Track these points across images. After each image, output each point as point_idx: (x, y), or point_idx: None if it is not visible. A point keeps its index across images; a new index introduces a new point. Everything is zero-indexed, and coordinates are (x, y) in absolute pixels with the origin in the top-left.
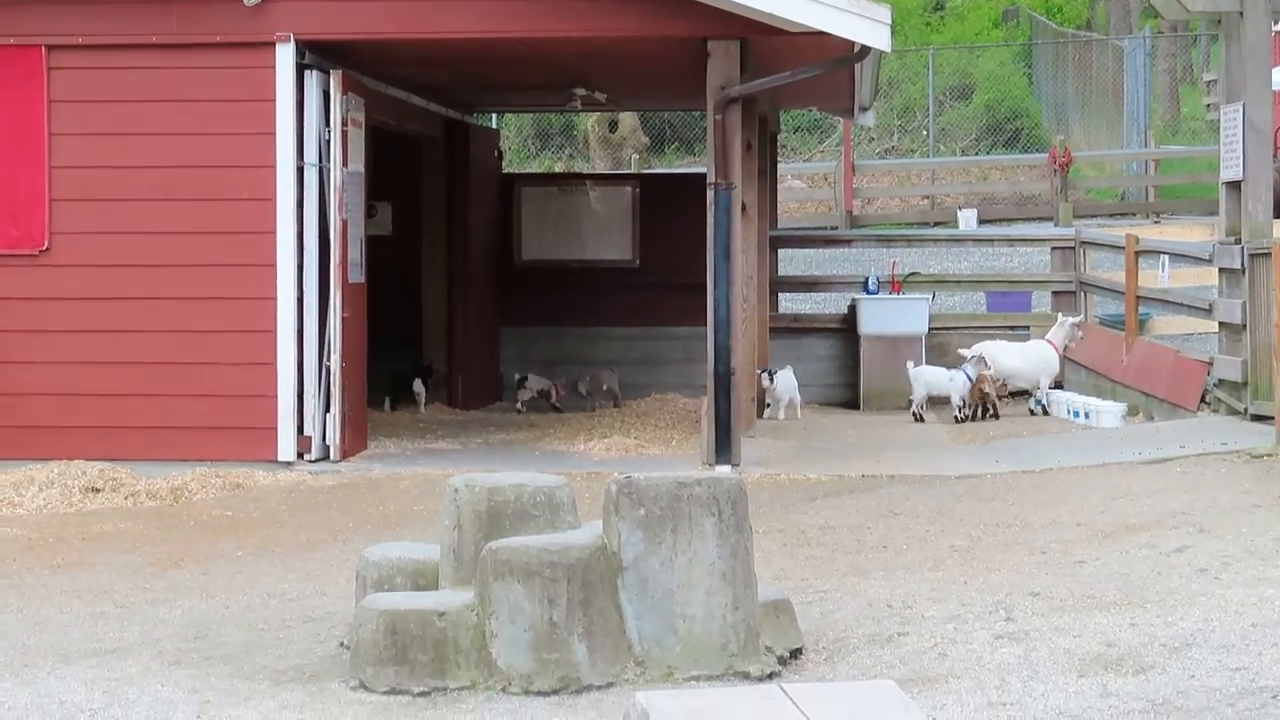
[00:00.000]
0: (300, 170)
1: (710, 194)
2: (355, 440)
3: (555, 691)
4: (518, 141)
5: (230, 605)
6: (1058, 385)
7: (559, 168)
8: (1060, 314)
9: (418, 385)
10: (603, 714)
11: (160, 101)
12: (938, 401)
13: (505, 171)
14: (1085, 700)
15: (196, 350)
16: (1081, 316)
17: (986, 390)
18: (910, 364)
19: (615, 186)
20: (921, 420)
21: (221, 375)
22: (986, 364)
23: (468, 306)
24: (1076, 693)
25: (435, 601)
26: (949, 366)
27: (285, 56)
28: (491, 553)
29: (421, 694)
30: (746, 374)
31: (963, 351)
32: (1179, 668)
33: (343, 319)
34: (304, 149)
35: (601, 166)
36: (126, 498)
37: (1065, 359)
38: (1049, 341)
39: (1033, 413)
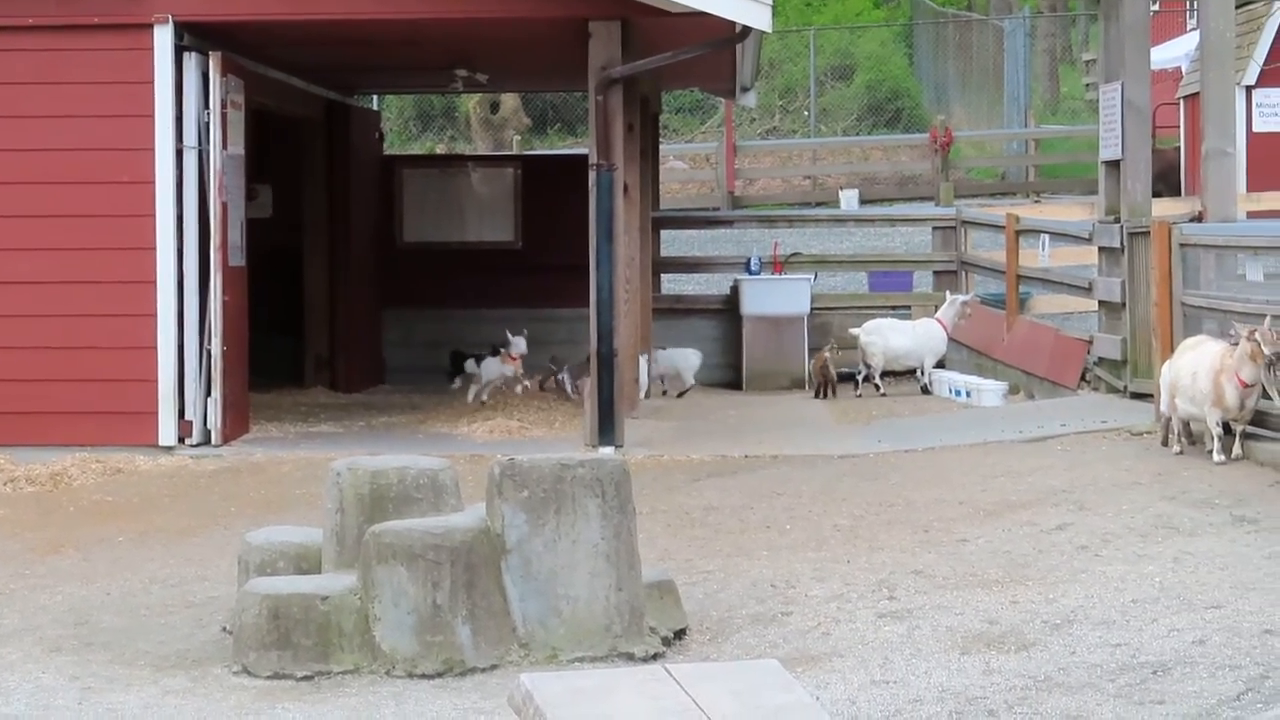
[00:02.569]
0: (179, 153)
1: (592, 175)
2: (237, 424)
3: (439, 674)
4: (399, 123)
5: (111, 591)
6: (940, 364)
7: (441, 149)
8: (949, 292)
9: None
10: (486, 696)
11: (38, 84)
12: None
13: (387, 153)
14: (968, 678)
15: (75, 334)
16: (972, 294)
17: (828, 370)
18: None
19: (497, 168)
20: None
21: (101, 360)
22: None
23: (349, 289)
24: (959, 670)
25: (318, 585)
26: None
27: (163, 38)
28: (374, 536)
29: (305, 678)
30: (629, 355)
31: (853, 331)
32: (1060, 644)
33: (223, 302)
34: (183, 132)
35: (483, 148)
36: (5, 484)
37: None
38: (939, 320)
39: (925, 390)
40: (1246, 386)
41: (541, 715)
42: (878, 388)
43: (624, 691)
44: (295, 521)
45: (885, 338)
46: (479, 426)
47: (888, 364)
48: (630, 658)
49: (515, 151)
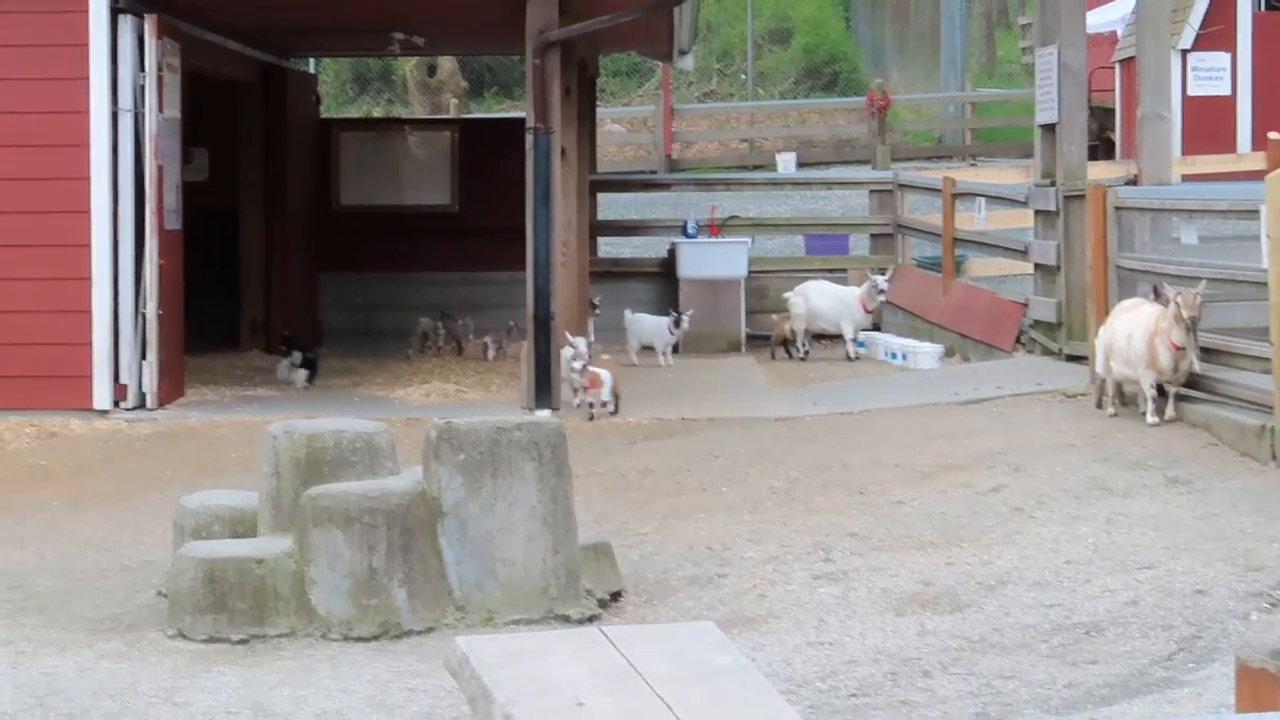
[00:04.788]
0: (114, 116)
1: (529, 139)
2: (172, 388)
3: (375, 637)
4: (336, 86)
5: (45, 555)
6: (876, 327)
7: (377, 113)
8: (872, 273)
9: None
10: (423, 659)
11: None
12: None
13: (323, 117)
14: (903, 639)
15: (9, 298)
16: (892, 268)
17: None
18: (627, 311)
19: (434, 131)
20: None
21: (35, 323)
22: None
23: (286, 253)
24: (894, 631)
25: (254, 549)
26: (768, 310)
27: (98, 1)
28: (310, 499)
29: (240, 641)
30: (566, 318)
31: (786, 295)
32: (995, 605)
33: (159, 266)
34: (118, 94)
35: (420, 111)
36: None
37: (882, 306)
38: (861, 297)
39: (850, 357)
40: (1179, 349)
41: (477, 678)
42: (800, 350)
43: (560, 654)
44: (231, 485)
45: (808, 298)
46: (415, 390)
47: (810, 326)
48: (566, 620)
49: (452, 115)
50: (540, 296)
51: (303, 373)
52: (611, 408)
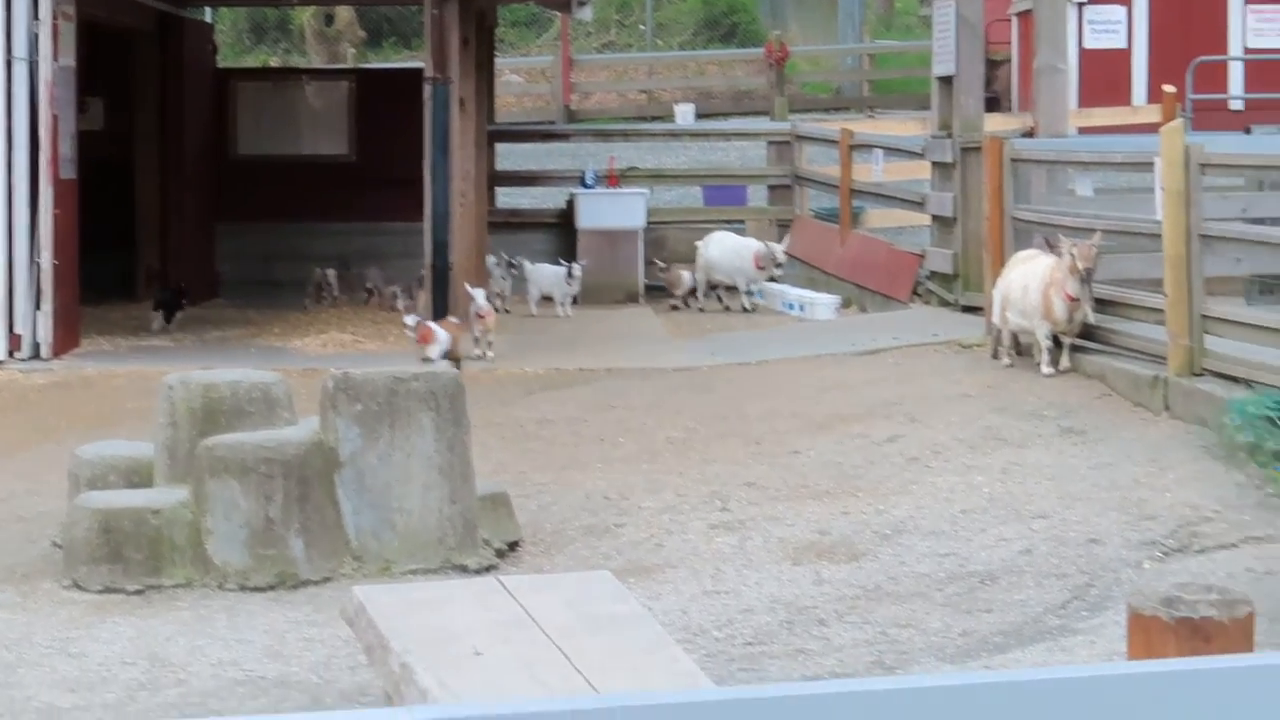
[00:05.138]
0: (8, 64)
1: (427, 89)
2: (67, 338)
3: (272, 587)
4: (232, 36)
5: None
6: (772, 279)
7: (274, 62)
8: (769, 243)
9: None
10: (320, 609)
11: None
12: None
13: (220, 66)
14: (799, 587)
15: None
16: (788, 238)
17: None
18: (526, 262)
19: (331, 81)
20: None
21: None
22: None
23: (182, 202)
24: (790, 580)
25: (150, 499)
26: (666, 260)
27: None
28: (207, 450)
29: (136, 592)
30: (463, 269)
31: (697, 244)
32: (890, 554)
33: (54, 215)
34: (12, 43)
35: (318, 61)
36: None
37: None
38: (756, 252)
39: (745, 309)
40: (1074, 300)
41: (374, 627)
42: (699, 300)
43: (457, 603)
44: (127, 436)
45: (707, 246)
46: (312, 340)
47: (708, 276)
48: (464, 570)
49: (350, 65)
50: (438, 247)
51: (159, 314)
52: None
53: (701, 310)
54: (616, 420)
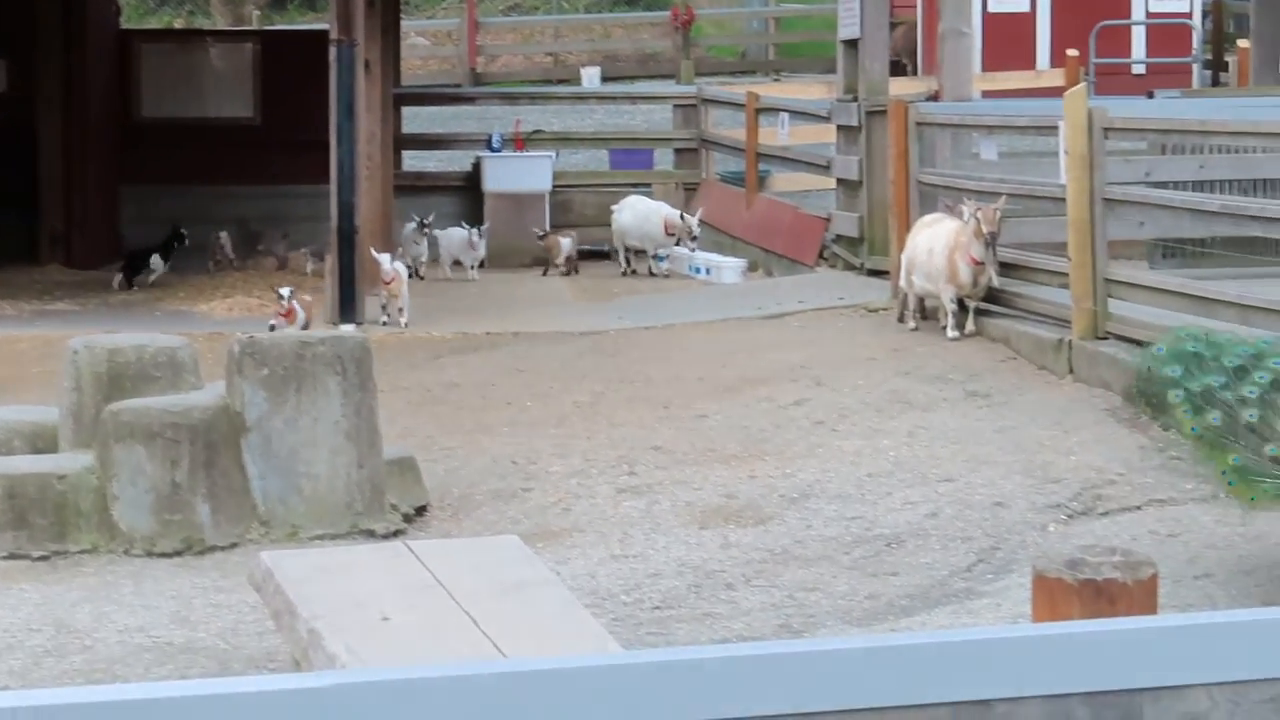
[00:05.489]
0: None
1: (333, 51)
2: None
3: (178, 553)
4: None
5: None
6: (678, 243)
7: (179, 24)
8: (685, 214)
9: (155, 260)
10: (226, 574)
11: None
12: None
13: (124, 28)
14: (706, 551)
15: None
16: (699, 213)
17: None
18: (437, 229)
19: (236, 43)
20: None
21: None
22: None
23: (85, 165)
24: (698, 544)
25: (54, 464)
26: (574, 224)
27: None
28: (112, 414)
29: (41, 558)
30: (371, 232)
31: (613, 208)
32: (797, 518)
33: None
34: None
35: (222, 23)
36: None
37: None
38: (666, 218)
39: (652, 273)
40: (979, 264)
41: (282, 592)
42: (623, 264)
43: (365, 568)
44: (31, 401)
45: (620, 211)
46: (218, 304)
47: (620, 240)
48: (371, 534)
49: (254, 27)
50: (344, 210)
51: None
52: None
53: (632, 273)
54: (524, 384)
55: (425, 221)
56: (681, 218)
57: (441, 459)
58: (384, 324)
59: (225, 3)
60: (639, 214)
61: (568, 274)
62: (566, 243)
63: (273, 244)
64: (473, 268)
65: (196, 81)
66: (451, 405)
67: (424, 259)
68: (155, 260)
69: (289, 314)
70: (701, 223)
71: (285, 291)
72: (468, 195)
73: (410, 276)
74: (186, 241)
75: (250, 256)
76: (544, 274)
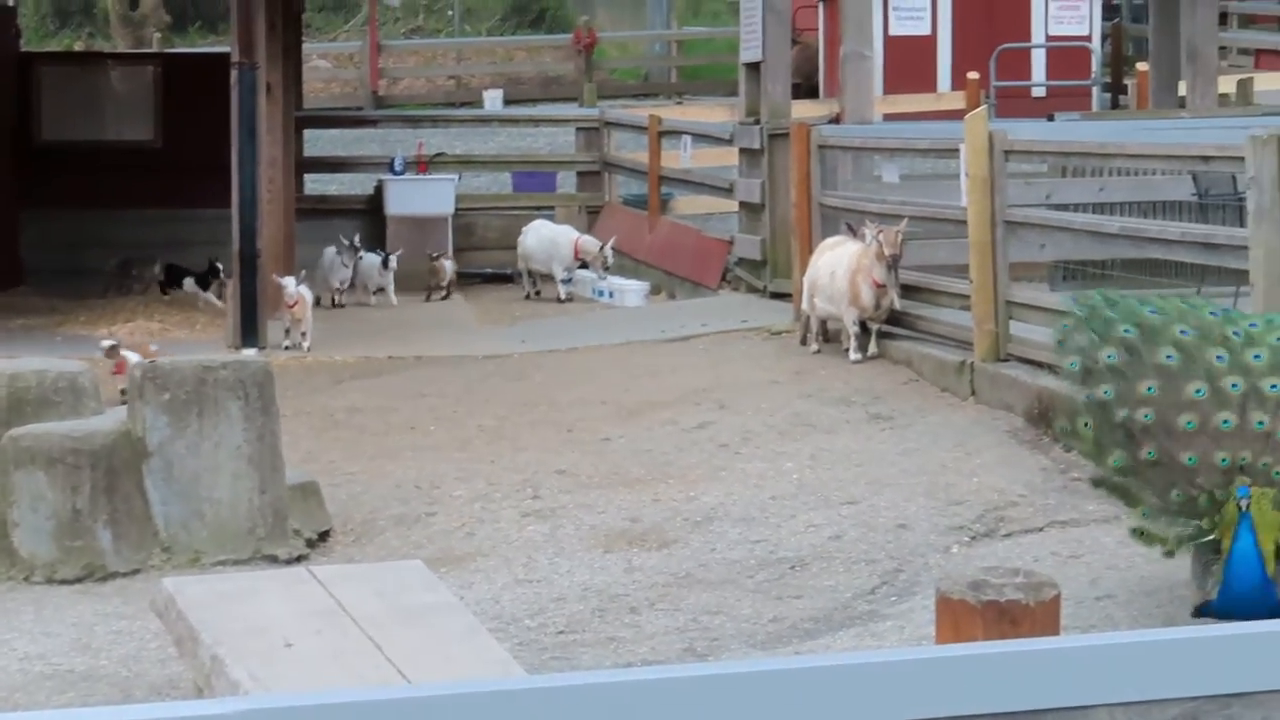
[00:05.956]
0: None
1: (234, 74)
2: None
3: (80, 580)
4: (36, 20)
5: None
6: (584, 266)
7: (79, 47)
8: (601, 241)
9: (188, 283)
10: (129, 601)
11: None
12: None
13: (24, 50)
14: (610, 575)
15: None
16: (613, 240)
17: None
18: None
19: (137, 66)
20: (333, 304)
21: None
22: (356, 253)
23: None
24: (602, 568)
25: None
26: (476, 247)
27: None
28: (12, 440)
29: None
30: (273, 256)
31: (526, 229)
32: (701, 541)
33: None
34: None
35: (123, 46)
36: None
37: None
38: (576, 244)
39: (557, 297)
40: (881, 286)
41: (184, 618)
42: (527, 287)
43: (268, 594)
44: None
45: (525, 235)
46: (120, 329)
47: (525, 264)
48: (274, 560)
49: (155, 49)
50: (246, 234)
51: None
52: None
53: (537, 296)
54: (427, 408)
55: (356, 245)
56: (601, 249)
57: (344, 484)
58: (286, 348)
59: (126, 25)
60: (543, 237)
61: (446, 297)
62: (449, 265)
63: (146, 270)
64: (382, 293)
65: (97, 104)
66: (354, 429)
67: (346, 283)
68: (188, 283)
69: (119, 368)
70: (617, 251)
71: (107, 344)
72: (370, 219)
73: (333, 304)
74: (222, 275)
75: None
76: (427, 298)
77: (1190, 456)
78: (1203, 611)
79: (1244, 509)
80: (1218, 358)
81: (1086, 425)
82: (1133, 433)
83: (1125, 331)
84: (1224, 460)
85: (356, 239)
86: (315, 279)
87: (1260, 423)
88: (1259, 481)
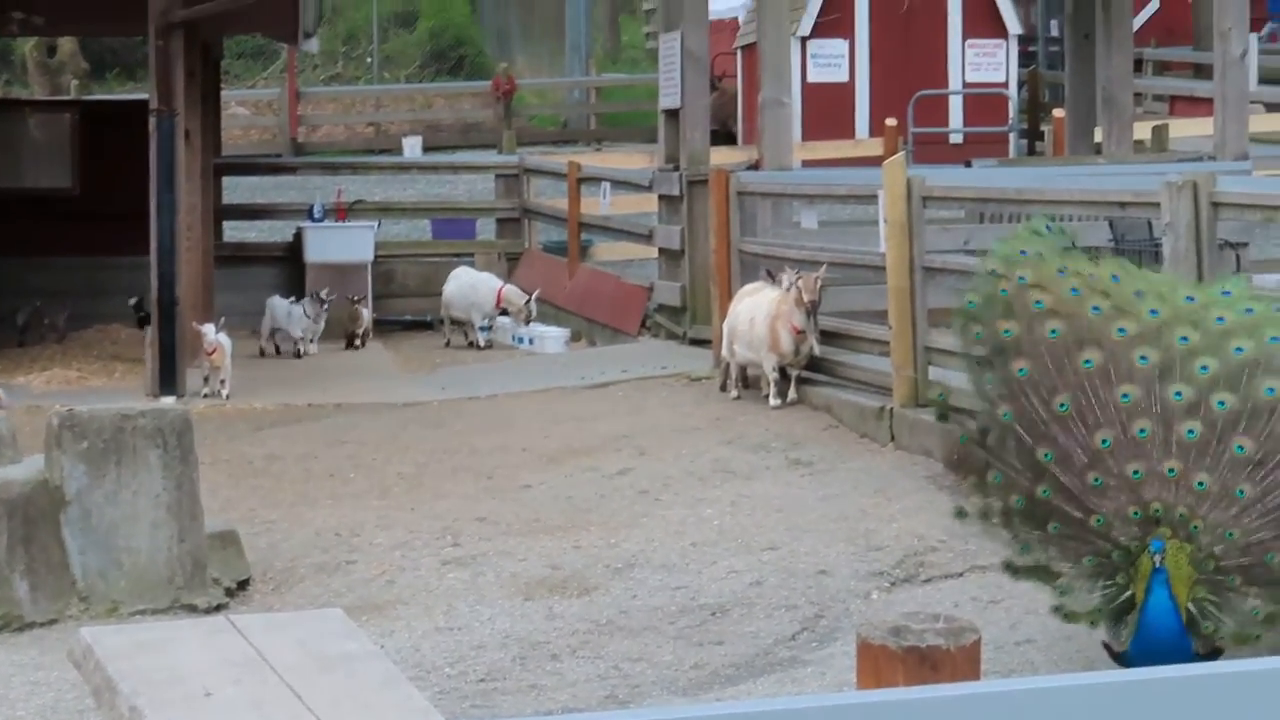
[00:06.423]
0: None
1: (152, 121)
2: None
3: None
4: None
5: None
6: (504, 312)
7: None
8: (524, 292)
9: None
10: (46, 651)
11: None
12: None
13: None
14: (531, 623)
15: None
16: (537, 292)
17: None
18: (276, 297)
19: (54, 113)
20: (276, 353)
21: None
22: (323, 305)
23: None
24: (523, 615)
25: None
26: (395, 294)
27: None
28: None
29: None
30: (190, 304)
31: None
32: (622, 588)
33: None
34: None
35: (40, 92)
36: None
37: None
38: (499, 290)
39: (473, 345)
40: (800, 332)
41: (102, 669)
42: (445, 335)
43: (187, 643)
44: None
45: (448, 283)
46: (36, 376)
47: (446, 311)
48: (193, 609)
49: (73, 96)
50: (164, 281)
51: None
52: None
53: (460, 344)
54: (347, 456)
55: (324, 297)
56: (526, 302)
57: (264, 532)
58: (205, 396)
59: (43, 72)
60: (463, 284)
61: (362, 345)
62: (365, 314)
63: (56, 317)
64: (305, 341)
65: (14, 151)
66: (273, 477)
67: (309, 334)
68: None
69: None
70: (538, 299)
71: None
72: (289, 266)
73: (296, 354)
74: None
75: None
76: (346, 346)
77: (1098, 518)
78: (1120, 662)
79: (1158, 564)
80: (1123, 397)
81: (997, 477)
82: (1040, 468)
83: (1021, 372)
84: (1135, 513)
85: (324, 292)
86: (263, 327)
87: (1172, 470)
88: (1178, 535)
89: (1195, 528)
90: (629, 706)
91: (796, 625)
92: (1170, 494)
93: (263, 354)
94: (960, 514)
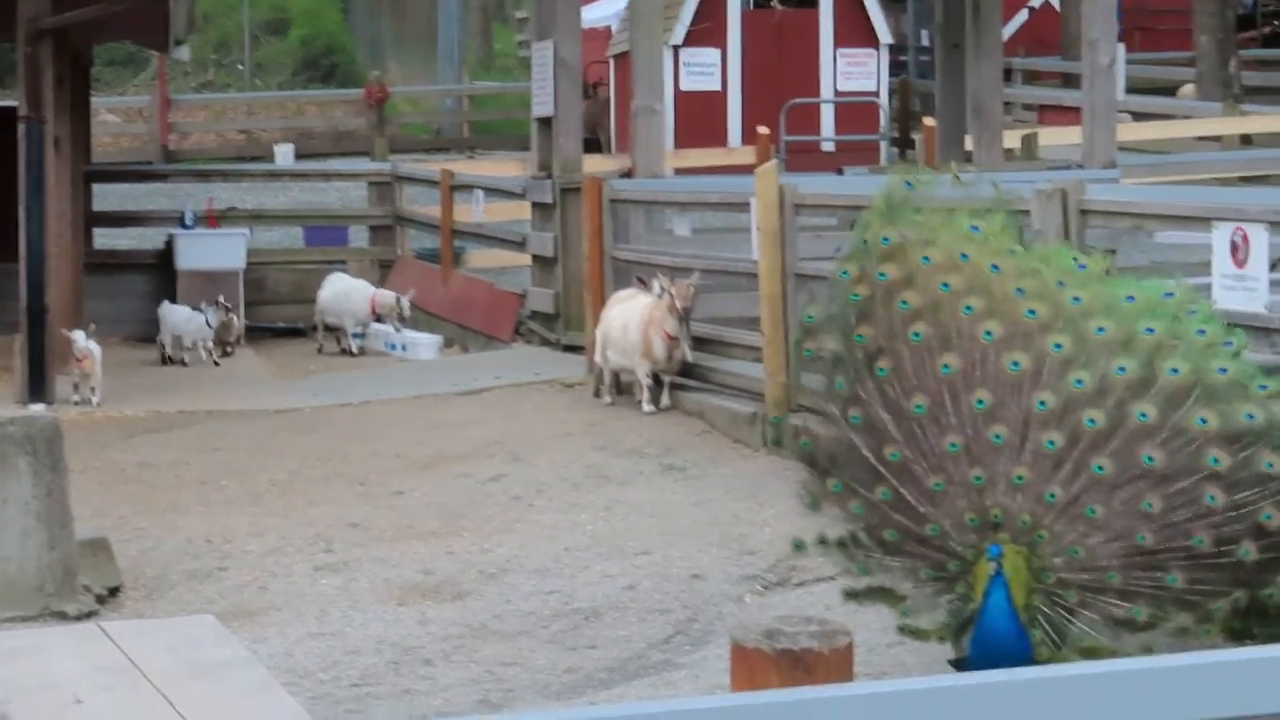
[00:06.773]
0: None
1: (21, 128)
2: None
3: None
4: None
5: None
6: (379, 319)
7: None
8: (399, 294)
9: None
10: None
11: None
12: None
13: None
14: (404, 628)
15: None
16: (412, 293)
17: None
18: (166, 302)
19: None
20: (178, 361)
21: None
22: (227, 311)
23: None
24: (396, 621)
25: None
26: (267, 301)
27: None
28: None
29: None
30: (60, 311)
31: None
32: (495, 593)
33: None
34: None
35: None
36: None
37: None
38: (372, 296)
39: (346, 351)
40: (673, 339)
41: None
42: (319, 341)
43: (57, 650)
44: None
45: (322, 288)
46: None
47: (320, 317)
48: (64, 617)
49: None
50: (34, 289)
51: None
52: None
53: (333, 350)
54: (219, 463)
55: (227, 305)
56: (398, 300)
57: (135, 539)
58: (75, 403)
59: None
60: (338, 291)
61: (230, 353)
62: (238, 320)
63: None
64: (196, 345)
65: None
66: (145, 484)
67: (209, 341)
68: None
69: None
70: (412, 304)
71: None
72: (160, 273)
73: (215, 360)
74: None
75: None
76: (223, 353)
77: (933, 527)
78: (961, 667)
79: (995, 570)
80: (978, 402)
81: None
82: (878, 474)
83: (880, 373)
84: (973, 520)
85: (222, 298)
86: (163, 335)
87: (1020, 477)
88: (1018, 541)
89: (1040, 536)
90: (502, 711)
91: (670, 629)
92: (1013, 501)
93: (170, 362)
94: (799, 546)
